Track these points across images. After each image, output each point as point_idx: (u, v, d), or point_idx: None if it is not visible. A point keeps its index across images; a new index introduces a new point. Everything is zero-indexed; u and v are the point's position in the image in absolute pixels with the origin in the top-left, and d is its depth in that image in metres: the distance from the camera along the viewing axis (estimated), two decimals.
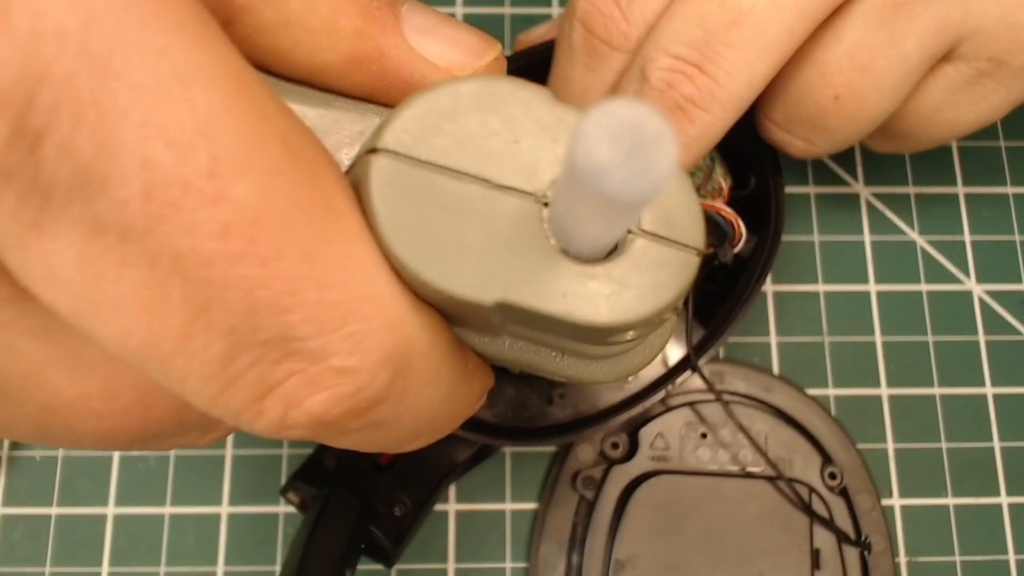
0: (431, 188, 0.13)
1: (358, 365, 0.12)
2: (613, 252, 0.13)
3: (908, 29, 0.22)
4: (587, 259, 0.13)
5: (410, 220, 0.13)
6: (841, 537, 0.29)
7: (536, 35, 0.31)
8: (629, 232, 0.13)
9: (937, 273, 0.33)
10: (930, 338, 0.33)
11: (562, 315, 0.13)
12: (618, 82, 0.23)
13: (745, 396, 0.30)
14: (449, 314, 0.14)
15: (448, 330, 0.15)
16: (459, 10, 0.36)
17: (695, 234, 0.14)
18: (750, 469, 0.29)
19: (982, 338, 0.33)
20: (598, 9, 0.23)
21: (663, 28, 0.22)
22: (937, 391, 0.32)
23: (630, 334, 0.14)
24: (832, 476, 0.29)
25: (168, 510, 0.30)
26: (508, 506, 0.31)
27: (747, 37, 0.21)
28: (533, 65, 0.29)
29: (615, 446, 0.29)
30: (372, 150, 0.13)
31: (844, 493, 0.30)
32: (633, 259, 0.13)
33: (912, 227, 0.34)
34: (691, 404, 0.30)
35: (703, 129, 0.22)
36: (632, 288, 0.13)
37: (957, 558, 0.30)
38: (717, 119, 0.22)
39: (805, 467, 0.30)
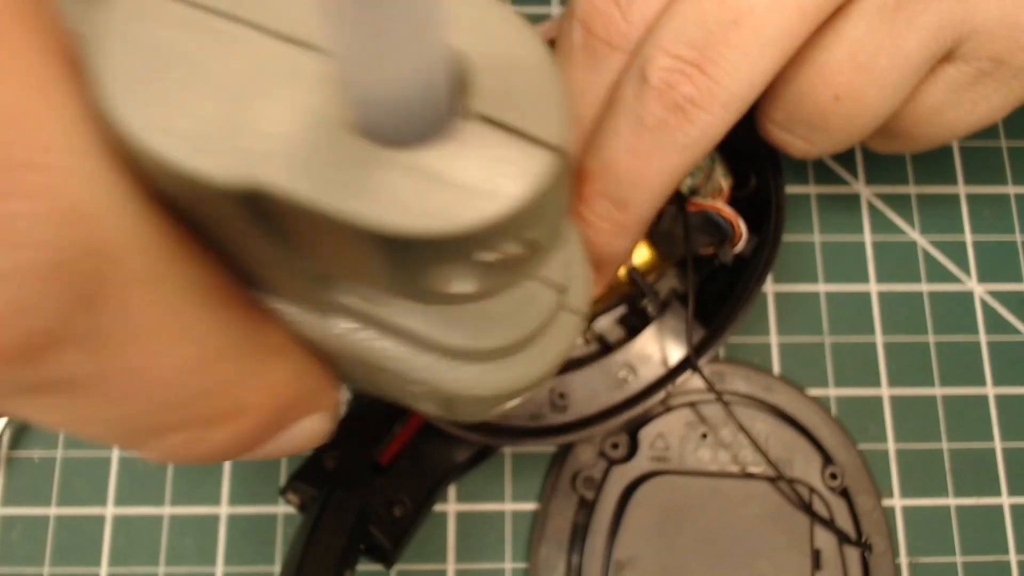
0: (177, 31, 0.10)
1: (10, 268, 0.09)
2: (433, 140, 0.10)
3: (909, 29, 0.22)
4: (395, 142, 0.10)
5: (143, 71, 0.09)
6: (842, 538, 0.29)
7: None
8: (457, 116, 0.10)
9: (938, 273, 0.33)
10: (931, 338, 0.33)
11: (350, 214, 0.09)
12: (618, 81, 0.23)
13: (745, 396, 0.30)
14: (223, 243, 0.11)
15: (208, 262, 0.11)
16: None
17: (552, 126, 0.10)
18: (751, 469, 0.29)
19: (983, 338, 0.33)
20: (597, 9, 0.23)
21: (662, 27, 0.22)
22: (938, 391, 0.32)
23: (469, 281, 0.11)
24: (833, 476, 0.29)
25: (167, 511, 0.30)
26: (508, 506, 0.30)
27: (747, 37, 0.21)
28: None
29: (615, 446, 0.29)
30: None
31: (845, 493, 0.30)
32: (458, 148, 0.10)
33: (913, 227, 0.34)
34: (691, 404, 0.30)
35: (704, 129, 0.22)
36: (456, 186, 0.09)
37: (958, 559, 0.30)
38: (718, 119, 0.22)
39: (806, 467, 0.30)
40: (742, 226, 0.28)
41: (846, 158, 0.35)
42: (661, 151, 0.22)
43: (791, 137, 0.25)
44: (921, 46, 0.23)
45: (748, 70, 0.21)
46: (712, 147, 0.23)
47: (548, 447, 0.31)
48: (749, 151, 0.28)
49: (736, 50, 0.21)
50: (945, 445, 0.32)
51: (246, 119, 0.09)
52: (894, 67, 0.23)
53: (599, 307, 0.30)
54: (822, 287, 0.33)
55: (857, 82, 0.23)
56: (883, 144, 0.28)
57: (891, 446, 0.31)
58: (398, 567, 0.30)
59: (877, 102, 0.23)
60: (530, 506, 0.30)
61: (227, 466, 0.31)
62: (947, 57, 0.24)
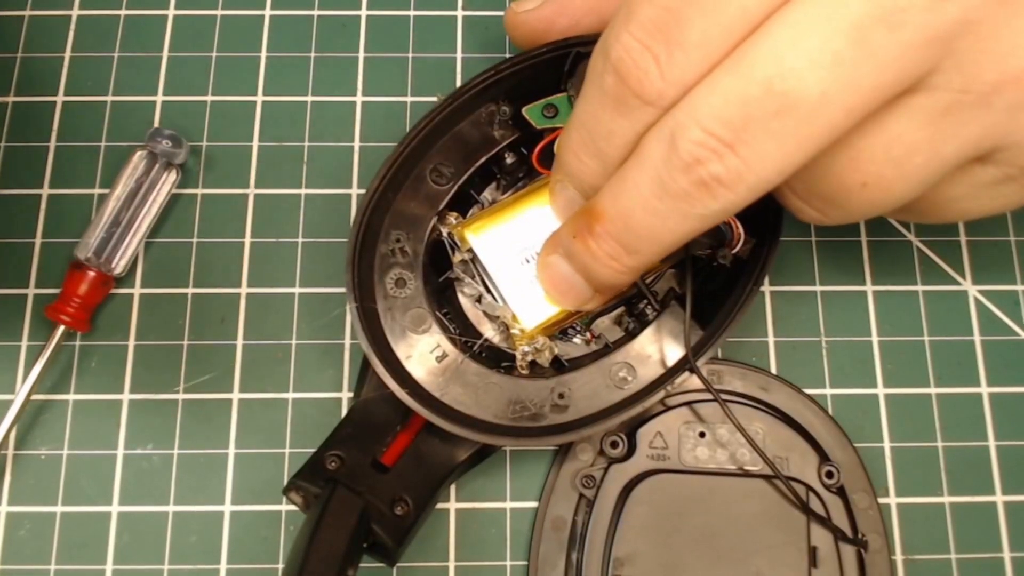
0: None
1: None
2: None
3: (952, 134, 0.22)
4: None
5: None
6: (838, 535, 0.29)
7: (527, 7, 0.30)
8: None
9: (933, 274, 0.34)
10: (926, 338, 0.33)
11: None
12: (646, 132, 0.22)
13: (743, 395, 0.31)
14: None
15: None
16: (459, 13, 0.36)
17: None
18: (748, 468, 0.30)
19: (977, 338, 0.33)
20: (635, 62, 0.22)
21: (701, 99, 0.21)
22: (933, 391, 0.32)
23: None
24: (829, 475, 0.30)
25: (171, 508, 0.30)
26: (508, 504, 0.31)
27: (788, 128, 0.20)
28: (534, 67, 0.30)
29: (614, 445, 0.30)
30: None
31: (841, 492, 0.30)
32: None
33: (908, 228, 0.34)
34: (689, 403, 0.30)
35: (724, 206, 0.22)
36: None
37: (953, 556, 0.31)
38: (741, 199, 0.22)
39: (802, 466, 0.30)
40: (740, 228, 0.29)
41: None
42: (678, 216, 0.22)
43: (805, 206, 0.25)
44: (959, 151, 0.22)
45: (781, 159, 0.21)
46: (731, 216, 0.23)
47: (548, 446, 0.31)
48: None
49: (773, 139, 0.20)
50: (940, 444, 0.32)
51: None
52: (927, 166, 0.22)
53: (599, 308, 0.30)
54: (819, 287, 0.33)
55: (887, 173, 0.22)
56: (891, 215, 0.27)
57: (887, 445, 0.32)
58: (400, 565, 0.30)
59: (902, 193, 0.23)
60: (530, 504, 0.31)
61: (230, 465, 0.31)
62: (978, 158, 0.24)
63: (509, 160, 0.31)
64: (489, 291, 0.30)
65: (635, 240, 0.24)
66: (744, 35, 0.21)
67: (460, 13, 0.36)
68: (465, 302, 0.31)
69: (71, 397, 0.31)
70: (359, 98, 0.35)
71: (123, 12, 0.36)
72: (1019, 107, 0.22)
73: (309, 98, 0.35)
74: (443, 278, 0.31)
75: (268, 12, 0.36)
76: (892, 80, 0.21)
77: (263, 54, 0.36)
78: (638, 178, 0.22)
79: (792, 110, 0.20)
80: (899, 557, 0.31)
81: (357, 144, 0.34)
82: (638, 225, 0.23)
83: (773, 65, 0.20)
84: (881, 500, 0.31)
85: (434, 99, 0.35)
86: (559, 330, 0.30)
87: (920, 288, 0.33)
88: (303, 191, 0.34)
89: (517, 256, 0.29)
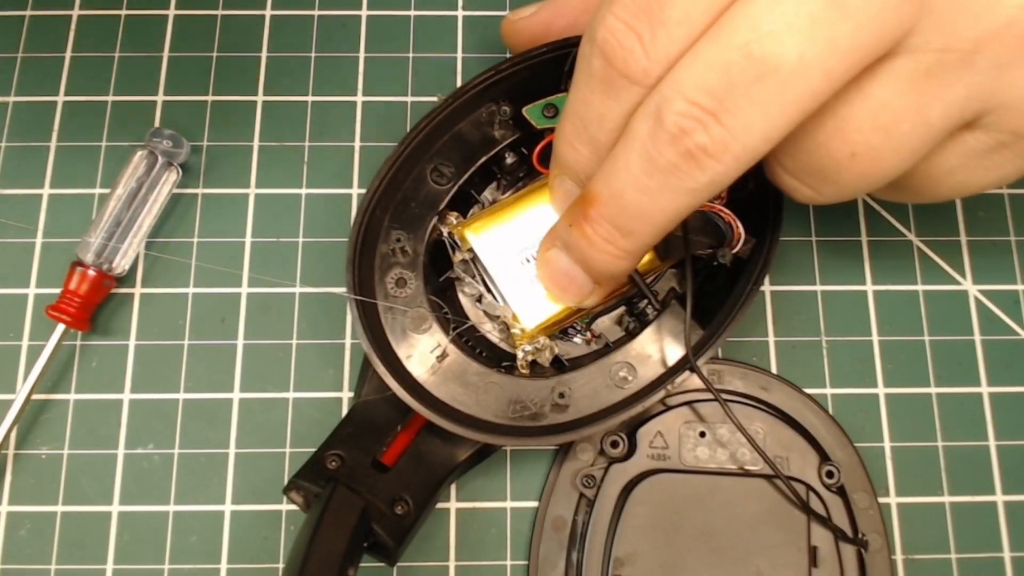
0: None
1: None
2: None
3: (937, 97, 0.22)
4: None
5: None
6: (838, 535, 0.29)
7: (522, 15, 0.31)
8: None
9: (933, 273, 0.34)
10: (926, 337, 0.33)
11: None
12: (634, 111, 0.23)
13: (743, 395, 0.31)
14: None
15: None
16: (459, 12, 0.36)
17: None
18: (748, 467, 0.30)
19: (978, 338, 0.33)
20: (619, 42, 0.22)
21: (684, 70, 0.21)
22: (933, 390, 0.32)
23: None
24: (829, 474, 0.30)
25: (172, 508, 0.30)
26: (509, 504, 0.31)
27: (770, 93, 0.21)
28: (534, 67, 0.30)
29: (615, 445, 0.30)
30: None
31: (841, 491, 0.30)
32: None
33: (908, 228, 0.34)
34: (690, 403, 0.30)
35: (713, 177, 0.22)
36: None
37: (953, 556, 0.31)
38: (729, 169, 0.22)
39: (803, 465, 0.30)
40: (741, 227, 0.29)
41: None
42: (669, 192, 0.22)
43: (798, 184, 0.25)
44: (946, 115, 0.22)
45: (765, 126, 0.21)
46: (719, 192, 0.23)
47: (548, 446, 0.31)
48: None
49: (756, 106, 0.21)
50: (940, 443, 0.32)
51: None
52: (915, 132, 0.22)
53: (599, 307, 0.30)
54: (819, 287, 0.33)
55: (876, 142, 0.22)
56: (887, 194, 0.27)
57: (887, 444, 0.32)
58: (400, 564, 0.30)
59: (892, 163, 0.23)
60: (531, 504, 0.31)
61: (231, 464, 0.31)
62: (968, 125, 0.23)
63: (509, 160, 0.31)
64: (489, 291, 0.30)
65: (629, 220, 0.24)
66: (723, 9, 0.21)
67: (460, 13, 0.36)
68: (465, 302, 0.31)
69: (72, 397, 0.31)
70: (359, 98, 0.35)
71: (123, 12, 0.36)
72: (1002, 65, 0.22)
73: (309, 98, 0.35)
74: (443, 278, 0.31)
75: (268, 12, 0.36)
76: (870, 41, 0.21)
77: (263, 54, 0.36)
78: (628, 157, 0.23)
79: (772, 75, 0.20)
80: (899, 557, 0.31)
81: (357, 144, 0.34)
82: (630, 204, 0.23)
83: (751, 31, 0.20)
84: (881, 500, 0.31)
85: (434, 99, 0.35)
86: (559, 330, 0.30)
87: (920, 288, 0.33)
88: (303, 191, 0.34)
89: (517, 256, 0.29)
